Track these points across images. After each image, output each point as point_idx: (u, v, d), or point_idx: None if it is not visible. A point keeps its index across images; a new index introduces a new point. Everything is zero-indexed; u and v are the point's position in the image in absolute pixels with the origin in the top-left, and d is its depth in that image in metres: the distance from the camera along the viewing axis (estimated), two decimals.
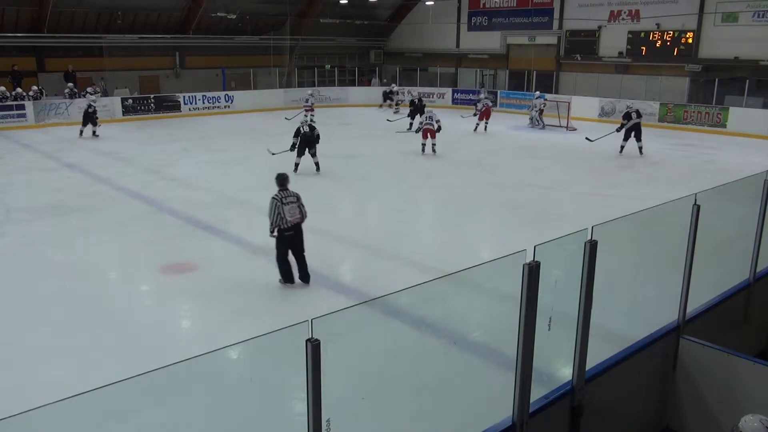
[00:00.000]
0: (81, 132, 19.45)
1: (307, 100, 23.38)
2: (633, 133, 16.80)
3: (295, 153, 14.27)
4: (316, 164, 14.50)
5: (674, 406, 5.14)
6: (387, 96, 28.19)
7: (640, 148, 16.92)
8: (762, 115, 20.95)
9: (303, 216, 7.85)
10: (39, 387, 5.47)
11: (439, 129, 16.62)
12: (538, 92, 24.05)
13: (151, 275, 8.60)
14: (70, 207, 11.61)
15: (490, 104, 22.38)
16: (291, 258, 7.91)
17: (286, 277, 7.91)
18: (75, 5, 23.56)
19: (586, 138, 18.14)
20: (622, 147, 17.05)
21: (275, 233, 7.79)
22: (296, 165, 14.17)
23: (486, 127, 21.56)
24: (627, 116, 16.96)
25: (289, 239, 7.76)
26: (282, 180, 7.88)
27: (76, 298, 7.70)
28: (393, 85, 28.61)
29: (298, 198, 7.82)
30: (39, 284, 8.07)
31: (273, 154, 15.05)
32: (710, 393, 4.88)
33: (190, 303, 7.87)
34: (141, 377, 2.29)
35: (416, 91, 25.81)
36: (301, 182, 13.81)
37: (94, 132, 19.53)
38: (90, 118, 19.40)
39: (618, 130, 17.17)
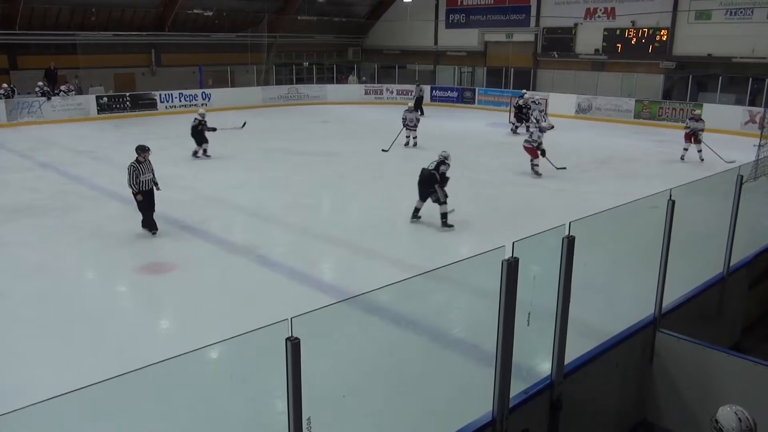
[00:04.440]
0: (194, 152, 16.24)
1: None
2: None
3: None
4: None
5: (651, 398, 5.21)
6: (520, 112, 20.94)
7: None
8: (735, 111, 21.30)
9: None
10: (14, 389, 5.38)
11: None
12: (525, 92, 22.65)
13: (128, 276, 8.51)
14: (45, 207, 11.42)
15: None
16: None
17: None
18: (48, 1, 23.15)
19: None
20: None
21: None
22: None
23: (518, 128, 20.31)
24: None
25: None
26: None
27: (51, 299, 7.58)
28: (524, 92, 22.29)
29: None
30: (14, 285, 7.92)
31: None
32: (686, 385, 4.95)
33: (169, 303, 7.80)
34: (120, 378, 2.27)
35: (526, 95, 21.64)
36: (280, 181, 13.80)
37: (204, 151, 16.27)
38: (198, 135, 16.12)
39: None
